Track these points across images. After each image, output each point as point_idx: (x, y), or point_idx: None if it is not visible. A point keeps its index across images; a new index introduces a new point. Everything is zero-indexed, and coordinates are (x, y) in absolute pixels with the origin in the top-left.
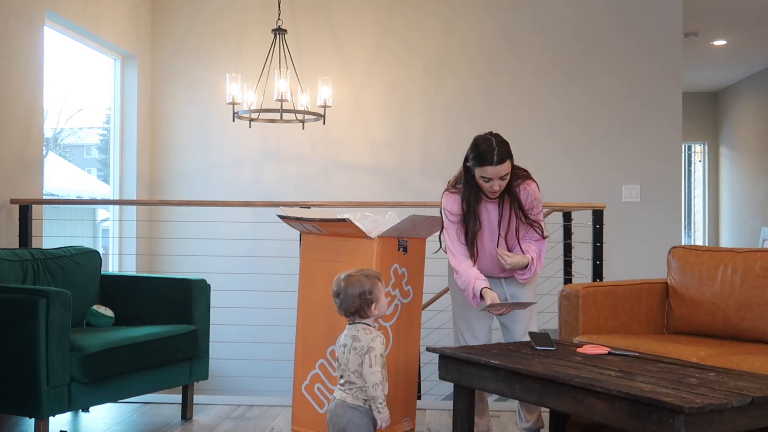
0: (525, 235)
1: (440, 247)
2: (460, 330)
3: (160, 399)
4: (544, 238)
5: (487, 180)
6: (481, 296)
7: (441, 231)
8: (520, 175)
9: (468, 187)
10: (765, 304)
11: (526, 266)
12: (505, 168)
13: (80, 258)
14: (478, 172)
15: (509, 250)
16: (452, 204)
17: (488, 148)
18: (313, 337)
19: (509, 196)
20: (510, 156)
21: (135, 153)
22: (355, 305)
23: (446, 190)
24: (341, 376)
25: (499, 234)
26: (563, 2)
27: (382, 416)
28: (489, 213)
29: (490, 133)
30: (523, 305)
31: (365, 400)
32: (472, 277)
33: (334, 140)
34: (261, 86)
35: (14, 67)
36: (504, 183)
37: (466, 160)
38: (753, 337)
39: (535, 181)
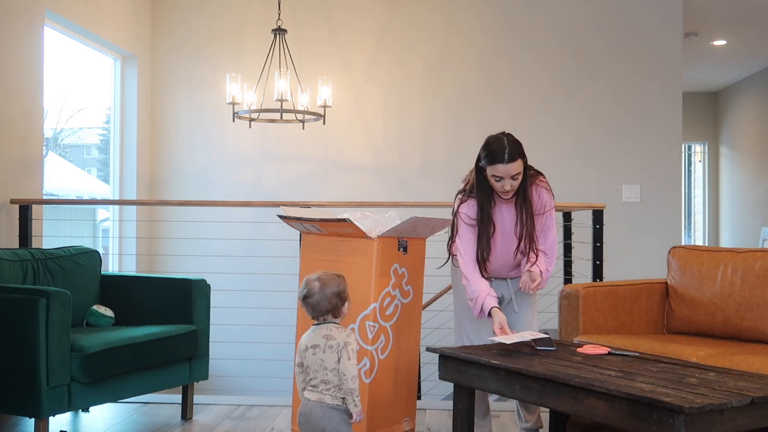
0: (538, 240)
1: (448, 258)
2: (466, 331)
3: (160, 399)
4: (537, 252)
5: (499, 179)
6: (489, 314)
7: (449, 241)
8: (532, 176)
9: (481, 190)
10: (765, 304)
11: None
12: (516, 167)
13: (80, 258)
14: (490, 170)
15: (524, 254)
16: (468, 208)
17: (499, 147)
18: None
19: (522, 199)
20: (522, 155)
21: (135, 153)
22: (332, 304)
23: (461, 198)
24: (312, 378)
25: (516, 237)
26: (562, 3)
27: (358, 409)
28: (503, 216)
29: (502, 133)
30: (535, 335)
31: (343, 399)
32: (483, 291)
33: (334, 140)
34: (261, 86)
35: (14, 67)
36: (516, 183)
37: (478, 160)
38: (753, 337)
39: (545, 181)
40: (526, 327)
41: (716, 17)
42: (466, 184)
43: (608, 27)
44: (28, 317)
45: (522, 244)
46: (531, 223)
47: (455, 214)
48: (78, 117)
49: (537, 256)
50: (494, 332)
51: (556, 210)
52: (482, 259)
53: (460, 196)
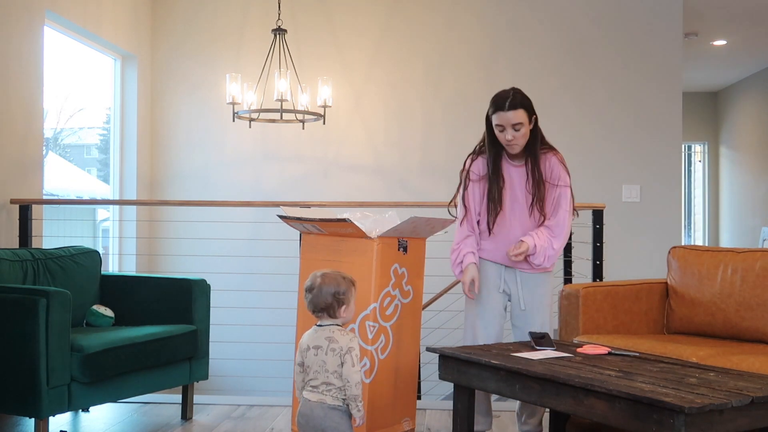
0: (548, 213)
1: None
2: (474, 326)
3: (160, 399)
4: (545, 215)
5: (502, 129)
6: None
7: (450, 202)
8: (547, 145)
9: (491, 144)
10: (765, 304)
11: (539, 254)
12: (516, 116)
13: (80, 258)
14: (494, 120)
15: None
16: (476, 165)
17: (504, 95)
18: None
19: (532, 162)
20: (525, 107)
21: (135, 153)
22: (327, 302)
23: (472, 158)
24: (313, 379)
25: (527, 203)
26: (562, 3)
27: (361, 414)
28: (512, 178)
29: (512, 87)
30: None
31: (343, 399)
32: (466, 249)
33: (334, 140)
34: (261, 86)
35: (14, 67)
36: (518, 135)
37: (488, 113)
38: (753, 337)
39: (561, 157)
40: (534, 326)
41: (716, 17)
42: (477, 146)
43: (608, 27)
44: (28, 317)
45: (533, 209)
46: (542, 187)
47: (465, 172)
48: (78, 117)
49: (544, 220)
50: (464, 290)
51: None
52: (494, 213)
53: (471, 156)
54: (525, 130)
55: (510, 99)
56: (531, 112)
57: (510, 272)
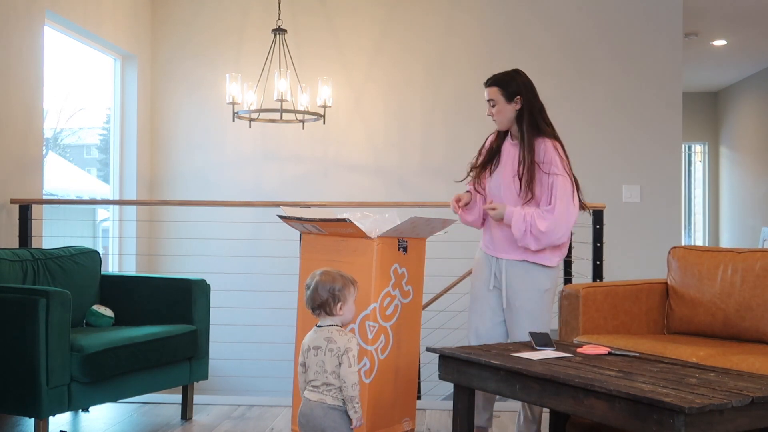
0: (541, 198)
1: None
2: (469, 325)
3: (160, 399)
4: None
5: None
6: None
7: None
8: (544, 131)
9: None
10: (765, 304)
11: (516, 220)
12: (488, 92)
13: (80, 258)
14: None
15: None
16: (489, 140)
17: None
18: None
19: (521, 141)
20: (500, 85)
21: (135, 153)
22: (322, 298)
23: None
24: (314, 380)
25: (518, 179)
26: (562, 3)
27: (358, 415)
28: (510, 155)
29: (513, 69)
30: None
31: (343, 399)
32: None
33: (334, 140)
34: (261, 86)
35: (14, 67)
36: (494, 112)
37: None
38: (753, 337)
39: (555, 143)
40: (523, 327)
41: (716, 17)
42: None
43: (608, 27)
44: (28, 317)
45: (519, 188)
46: (530, 168)
47: (482, 145)
48: (78, 117)
49: (532, 198)
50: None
51: None
52: (481, 166)
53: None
54: (500, 108)
55: (493, 77)
56: (511, 91)
57: (499, 263)
